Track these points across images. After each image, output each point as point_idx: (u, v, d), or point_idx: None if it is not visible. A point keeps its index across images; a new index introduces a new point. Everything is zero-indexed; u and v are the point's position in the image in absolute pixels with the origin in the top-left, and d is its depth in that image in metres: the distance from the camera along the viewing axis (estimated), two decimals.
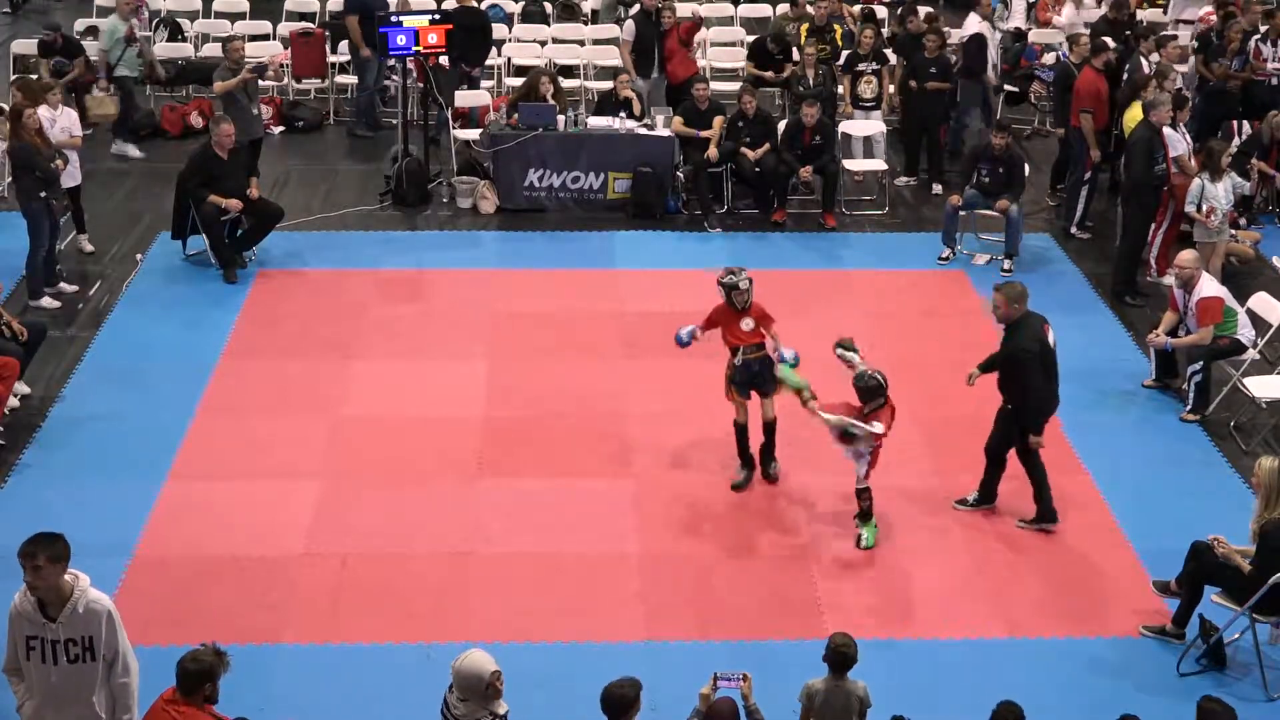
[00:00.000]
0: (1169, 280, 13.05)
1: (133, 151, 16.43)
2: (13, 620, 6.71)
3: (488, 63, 17.32)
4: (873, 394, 9.44)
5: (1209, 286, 11.25)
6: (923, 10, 16.89)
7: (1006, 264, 13.94)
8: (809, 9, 17.10)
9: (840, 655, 7.27)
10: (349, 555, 9.57)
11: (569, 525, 9.96)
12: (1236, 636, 8.69)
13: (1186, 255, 11.40)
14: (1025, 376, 9.60)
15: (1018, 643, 8.87)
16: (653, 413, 11.37)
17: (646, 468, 10.63)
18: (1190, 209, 12.88)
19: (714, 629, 8.93)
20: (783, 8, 18.83)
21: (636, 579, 9.41)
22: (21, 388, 11.18)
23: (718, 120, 15.04)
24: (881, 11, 18.98)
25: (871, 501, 9.72)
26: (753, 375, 10.18)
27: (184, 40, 18.91)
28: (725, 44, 18.71)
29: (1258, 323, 11.65)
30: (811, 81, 15.70)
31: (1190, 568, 8.73)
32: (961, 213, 13.99)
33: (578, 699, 7.56)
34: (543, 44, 18.48)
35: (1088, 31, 16.22)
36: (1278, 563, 8.23)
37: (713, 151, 14.84)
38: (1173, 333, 11.43)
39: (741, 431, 10.33)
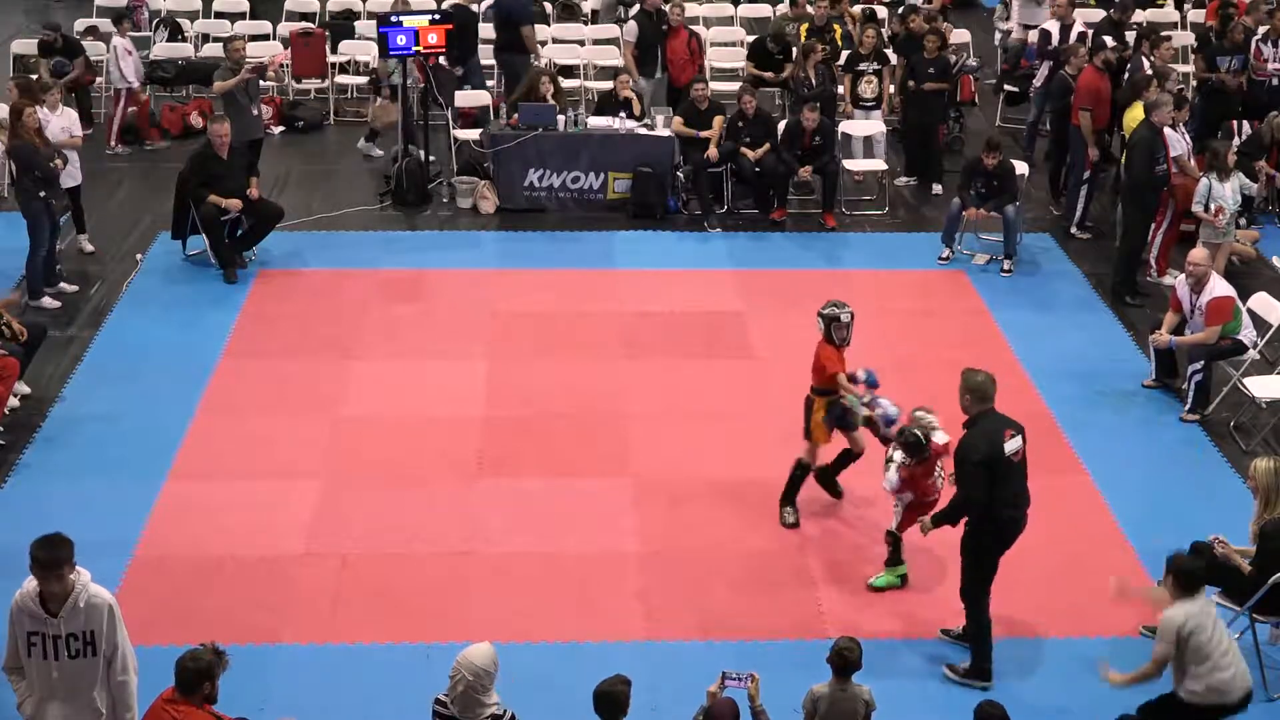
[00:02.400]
0: (1169, 280, 13.07)
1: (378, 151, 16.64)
2: (14, 617, 6.71)
3: (488, 62, 17.30)
4: (911, 450, 8.93)
5: (1221, 286, 11.24)
6: (923, 10, 16.88)
7: (1006, 264, 13.95)
8: (808, 9, 17.08)
9: (841, 659, 7.25)
10: (349, 555, 9.58)
11: (569, 525, 9.96)
12: (1236, 636, 8.65)
13: (1199, 254, 11.35)
14: (962, 482, 8.25)
15: (1017, 643, 8.85)
16: (653, 413, 11.37)
17: (646, 468, 10.63)
18: (1198, 209, 12.88)
19: (714, 629, 8.93)
20: (782, 8, 18.83)
21: (636, 579, 9.41)
22: (21, 388, 11.18)
23: (717, 120, 15.04)
24: (882, 11, 18.98)
25: (898, 548, 9.31)
26: (843, 413, 9.70)
27: (184, 40, 18.92)
28: (725, 44, 18.70)
29: (1258, 323, 11.65)
30: (813, 81, 15.71)
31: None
32: (964, 211, 13.98)
33: (578, 699, 7.55)
34: (543, 44, 18.47)
35: (1083, 44, 16.19)
36: (1278, 563, 8.23)
37: (713, 151, 14.84)
38: (1177, 332, 11.41)
39: (805, 474, 9.94)
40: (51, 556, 6.55)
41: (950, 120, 16.71)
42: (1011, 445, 8.11)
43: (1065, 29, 16.35)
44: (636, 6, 16.85)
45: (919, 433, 8.91)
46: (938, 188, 15.76)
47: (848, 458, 10.06)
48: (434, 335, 12.55)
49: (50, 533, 6.71)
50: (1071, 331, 12.74)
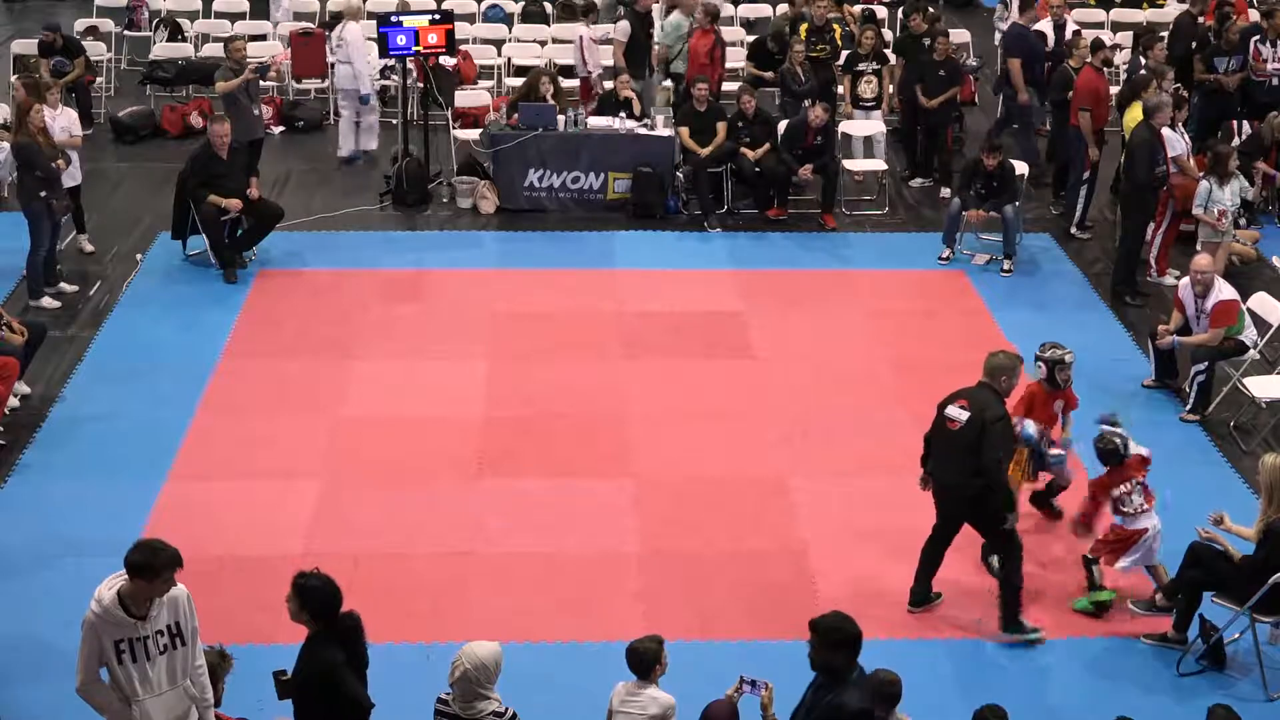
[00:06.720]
0: (1169, 280, 13.09)
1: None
2: (93, 631, 6.49)
3: (488, 62, 17.28)
4: (1108, 458, 8.99)
5: (1226, 290, 11.26)
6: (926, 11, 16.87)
7: (1006, 264, 13.95)
8: (805, 9, 17.05)
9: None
10: (349, 555, 9.56)
11: (569, 525, 9.96)
12: (1236, 636, 8.68)
13: (1204, 261, 11.33)
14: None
15: (1018, 643, 8.87)
16: (653, 413, 11.37)
17: (646, 468, 10.63)
18: (1198, 211, 12.87)
19: (714, 629, 8.93)
20: (782, 8, 18.83)
21: (636, 579, 9.41)
22: (21, 388, 11.18)
23: (721, 127, 14.94)
24: (881, 11, 18.97)
25: (1090, 573, 9.18)
26: (1043, 457, 9.79)
27: (184, 40, 18.92)
28: (725, 44, 18.65)
29: (1258, 323, 11.66)
30: (802, 77, 15.71)
31: (1190, 575, 8.70)
32: (965, 212, 13.97)
33: (578, 699, 7.57)
34: (543, 44, 18.49)
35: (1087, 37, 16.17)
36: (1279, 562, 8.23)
37: (703, 151, 14.78)
38: (1182, 333, 11.41)
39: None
40: (172, 561, 6.46)
41: (956, 123, 16.68)
42: (953, 411, 8.74)
43: (1059, 29, 16.34)
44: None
45: (1118, 439, 8.93)
46: (945, 190, 15.69)
47: (1056, 488, 10.00)
48: (434, 335, 12.55)
49: (148, 539, 6.60)
50: (1071, 331, 12.66)
